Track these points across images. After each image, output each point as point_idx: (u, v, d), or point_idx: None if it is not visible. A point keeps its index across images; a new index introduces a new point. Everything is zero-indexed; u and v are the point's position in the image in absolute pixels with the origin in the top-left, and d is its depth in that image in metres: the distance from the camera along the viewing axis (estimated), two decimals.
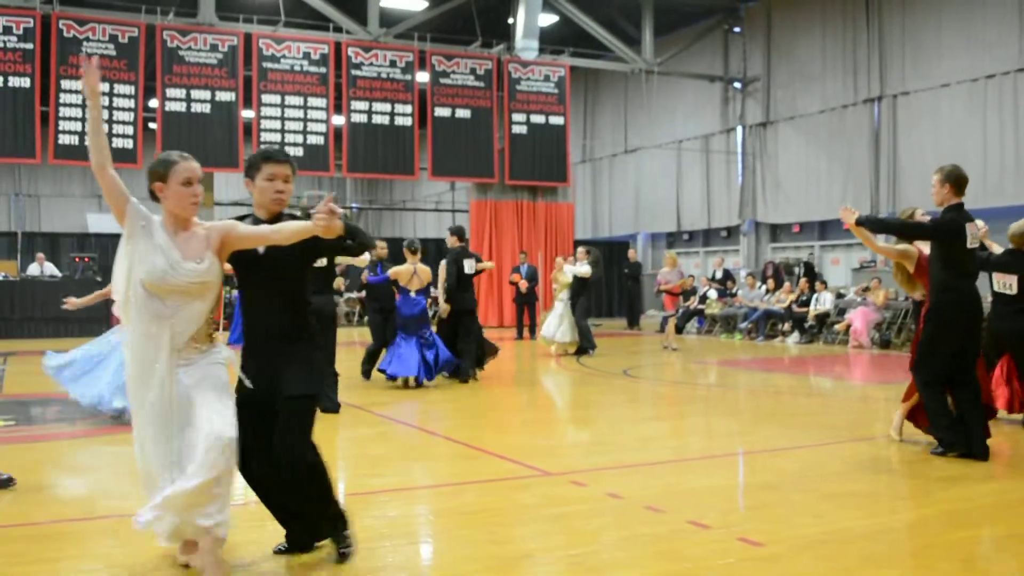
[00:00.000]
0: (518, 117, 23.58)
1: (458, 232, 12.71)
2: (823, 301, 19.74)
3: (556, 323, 16.30)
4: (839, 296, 20.13)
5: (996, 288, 8.48)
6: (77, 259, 22.28)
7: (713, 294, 22.33)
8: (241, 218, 4.52)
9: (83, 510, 5.75)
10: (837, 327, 19.03)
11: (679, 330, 21.98)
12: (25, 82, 19.18)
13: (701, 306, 22.25)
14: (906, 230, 7.45)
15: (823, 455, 7.38)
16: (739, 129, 25.72)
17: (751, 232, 25.53)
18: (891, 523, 5.40)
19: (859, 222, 7.31)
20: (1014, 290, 8.25)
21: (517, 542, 4.96)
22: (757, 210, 25.17)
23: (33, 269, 23.33)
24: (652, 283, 28.12)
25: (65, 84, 19.50)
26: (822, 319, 19.58)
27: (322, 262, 9.18)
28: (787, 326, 20.18)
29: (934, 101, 20.35)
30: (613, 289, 28.35)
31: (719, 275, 23.44)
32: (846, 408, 10.37)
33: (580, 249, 16.77)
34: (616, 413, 10.08)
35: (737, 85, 25.70)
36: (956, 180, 7.16)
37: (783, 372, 13.98)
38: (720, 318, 21.82)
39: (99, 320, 21.25)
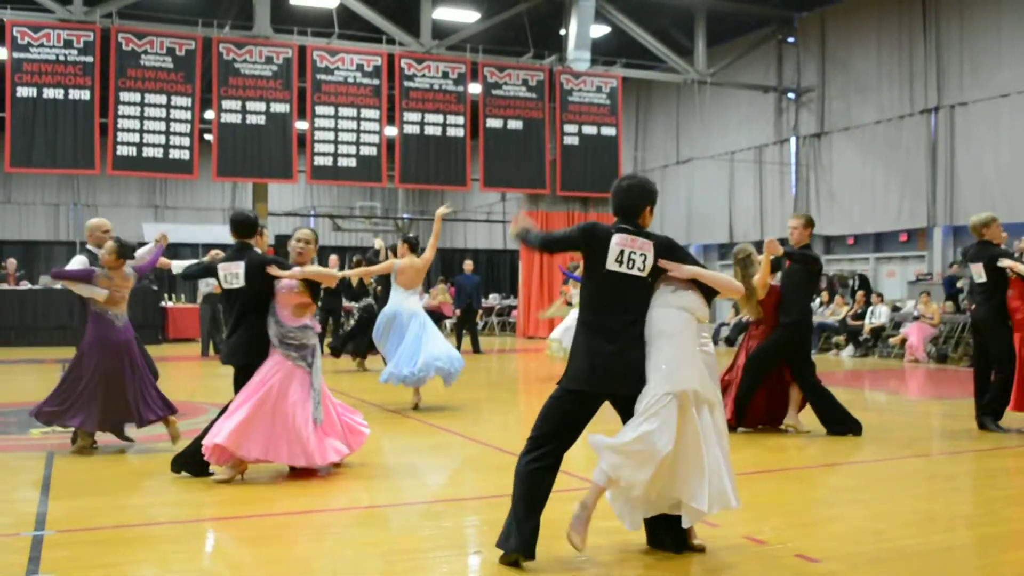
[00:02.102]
0: (570, 128, 23.58)
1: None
2: (879, 314, 19.48)
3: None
4: (895, 309, 19.86)
5: (974, 279, 9.38)
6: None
7: None
8: None
9: (144, 516, 5.83)
10: (892, 341, 18.76)
11: (731, 342, 21.82)
12: (85, 95, 19.53)
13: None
14: (808, 261, 8.73)
15: (879, 471, 7.28)
16: (793, 140, 25.50)
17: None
18: (950, 542, 5.31)
19: (787, 254, 8.57)
20: (983, 277, 9.03)
21: (566, 552, 4.93)
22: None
23: None
24: None
25: (124, 96, 19.82)
26: (877, 332, 19.33)
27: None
28: (842, 339, 19.94)
29: (993, 111, 20.03)
30: None
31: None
32: (902, 423, 10.21)
33: None
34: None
35: (791, 95, 25.50)
36: (812, 223, 8.87)
37: (838, 386, 13.79)
38: None
39: (154, 327, 21.63)
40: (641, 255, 4.77)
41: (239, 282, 6.96)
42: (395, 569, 4.73)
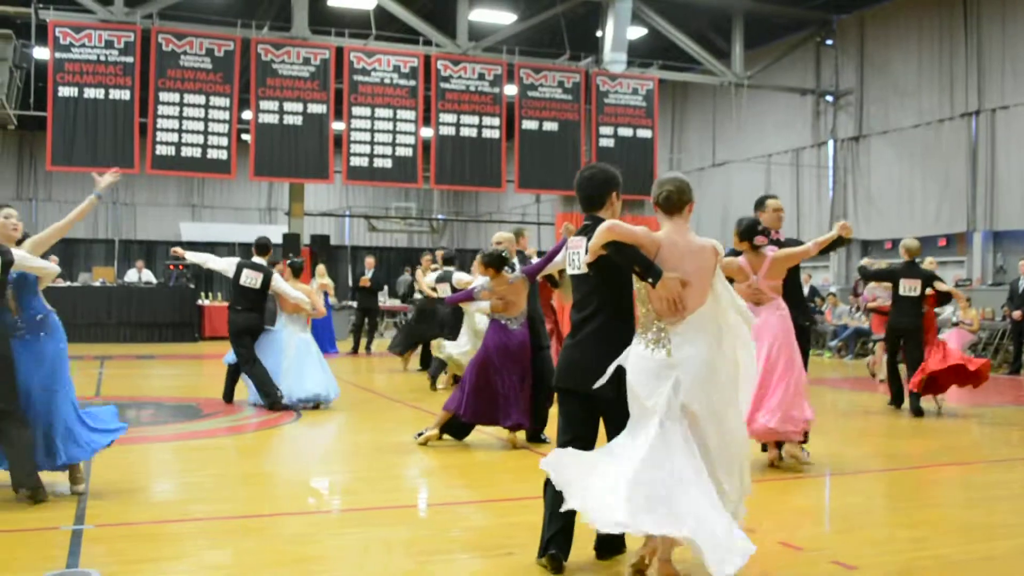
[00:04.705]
0: (605, 130, 23.53)
1: (260, 245, 11.34)
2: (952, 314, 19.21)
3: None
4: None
5: (901, 292, 11.01)
6: (171, 267, 22.89)
7: None
8: None
9: (179, 512, 5.88)
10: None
11: None
12: (125, 94, 19.73)
13: None
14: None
15: (917, 478, 7.21)
16: (830, 143, 25.29)
17: (841, 248, 25.03)
18: (989, 551, 5.25)
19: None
20: (919, 292, 10.83)
21: (591, 555, 4.91)
22: (851, 226, 24.67)
23: (131, 276, 24.04)
24: None
25: (163, 96, 20.01)
26: None
27: (257, 283, 10.54)
28: (878, 345, 19.71)
29: None
30: None
31: (806, 292, 23.05)
32: (939, 430, 10.10)
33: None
34: None
35: (829, 99, 25.29)
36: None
37: (874, 392, 13.67)
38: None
39: (191, 325, 21.84)
40: (576, 254, 4.81)
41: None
42: (426, 569, 4.74)
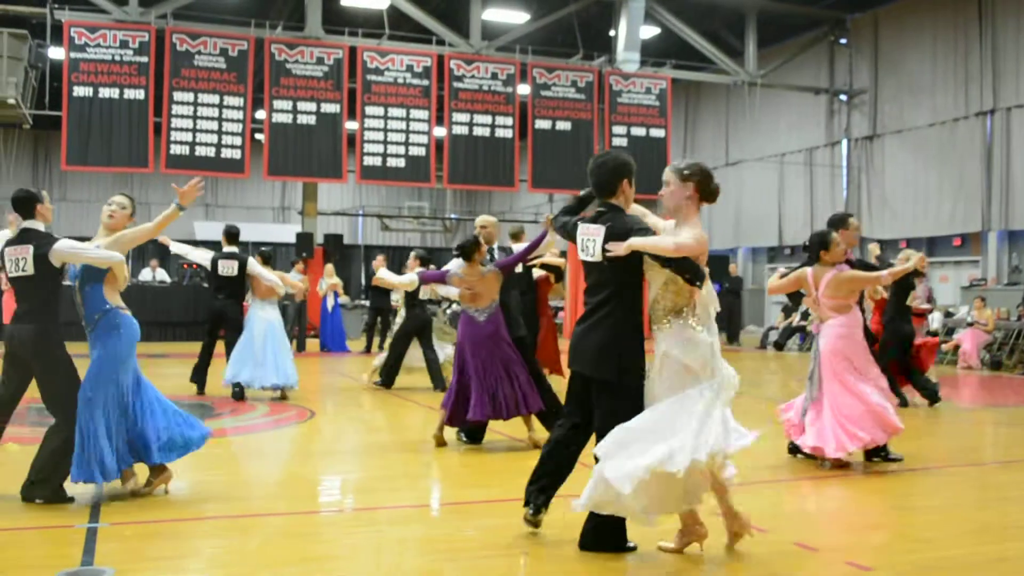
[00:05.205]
0: (619, 130, 23.51)
1: (230, 233, 11.70)
2: (931, 320, 19.16)
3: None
4: (948, 315, 19.55)
5: (908, 300, 11.11)
6: (185, 266, 22.94)
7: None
8: None
9: (193, 510, 5.90)
10: (945, 347, 18.44)
11: (780, 347, 21.64)
12: (140, 94, 19.82)
13: (803, 323, 21.85)
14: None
15: (930, 479, 7.18)
16: (844, 143, 25.22)
17: (856, 248, 24.94)
18: (1003, 552, 5.22)
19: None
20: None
21: (613, 559, 4.91)
22: (862, 226, 24.62)
23: (145, 275, 24.10)
24: (752, 298, 27.79)
25: (177, 96, 20.10)
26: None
27: (234, 271, 11.18)
28: None
29: None
30: None
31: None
32: (954, 431, 10.06)
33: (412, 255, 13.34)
34: None
35: (843, 98, 25.21)
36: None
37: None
38: None
39: (204, 324, 21.89)
40: (592, 240, 4.89)
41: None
42: (440, 568, 4.75)
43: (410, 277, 10.75)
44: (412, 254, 12.89)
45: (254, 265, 11.26)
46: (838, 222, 7.79)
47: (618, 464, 4.55)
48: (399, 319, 12.95)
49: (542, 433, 7.89)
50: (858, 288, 7.52)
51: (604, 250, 4.77)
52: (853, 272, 7.39)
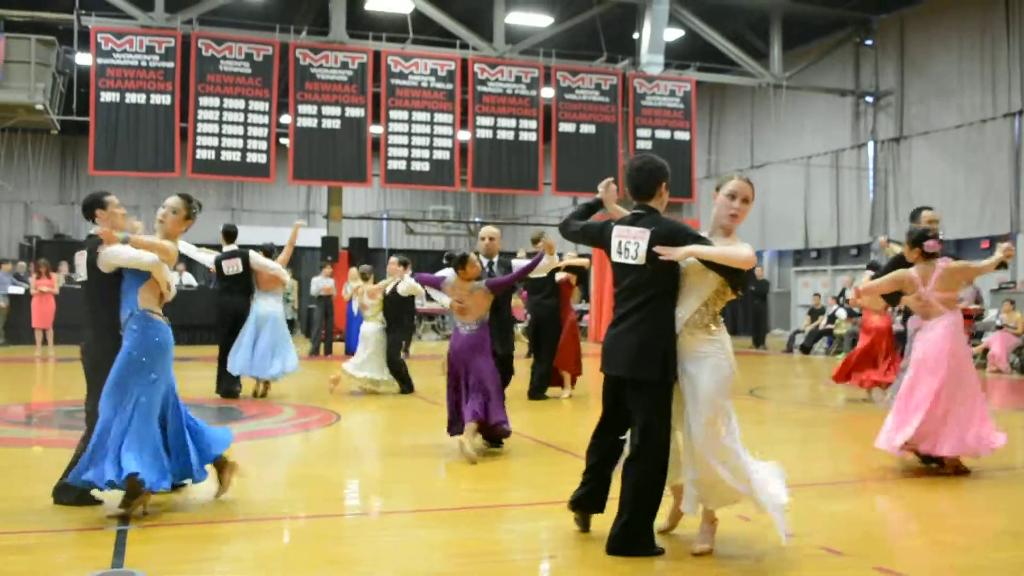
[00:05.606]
0: (643, 132, 23.47)
1: (228, 232, 12.05)
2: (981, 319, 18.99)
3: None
4: (977, 318, 19.36)
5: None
6: (211, 270, 23.01)
7: (842, 314, 21.77)
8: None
9: (222, 513, 5.92)
10: (974, 351, 18.26)
11: (806, 351, 21.52)
12: (166, 99, 19.97)
13: (830, 326, 21.74)
14: None
15: (961, 484, 7.11)
16: (870, 144, 25.07)
17: (882, 250, 24.78)
18: None
19: None
20: None
21: (633, 562, 4.89)
22: (889, 228, 24.45)
23: (172, 278, 24.19)
24: (778, 301, 27.66)
25: (203, 101, 20.24)
26: None
27: (238, 268, 11.49)
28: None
29: None
30: (738, 307, 27.89)
31: (849, 294, 22.84)
32: None
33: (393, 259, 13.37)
34: (743, 434, 9.89)
35: (869, 99, 25.07)
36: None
37: None
38: (849, 338, 21.24)
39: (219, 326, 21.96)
40: (634, 243, 4.89)
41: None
42: (467, 571, 4.75)
43: (412, 284, 11.03)
44: (392, 259, 13.03)
45: (256, 258, 11.56)
46: (913, 216, 8.07)
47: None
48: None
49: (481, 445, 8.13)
50: (970, 278, 7.70)
51: (651, 253, 4.79)
52: (964, 263, 7.50)
